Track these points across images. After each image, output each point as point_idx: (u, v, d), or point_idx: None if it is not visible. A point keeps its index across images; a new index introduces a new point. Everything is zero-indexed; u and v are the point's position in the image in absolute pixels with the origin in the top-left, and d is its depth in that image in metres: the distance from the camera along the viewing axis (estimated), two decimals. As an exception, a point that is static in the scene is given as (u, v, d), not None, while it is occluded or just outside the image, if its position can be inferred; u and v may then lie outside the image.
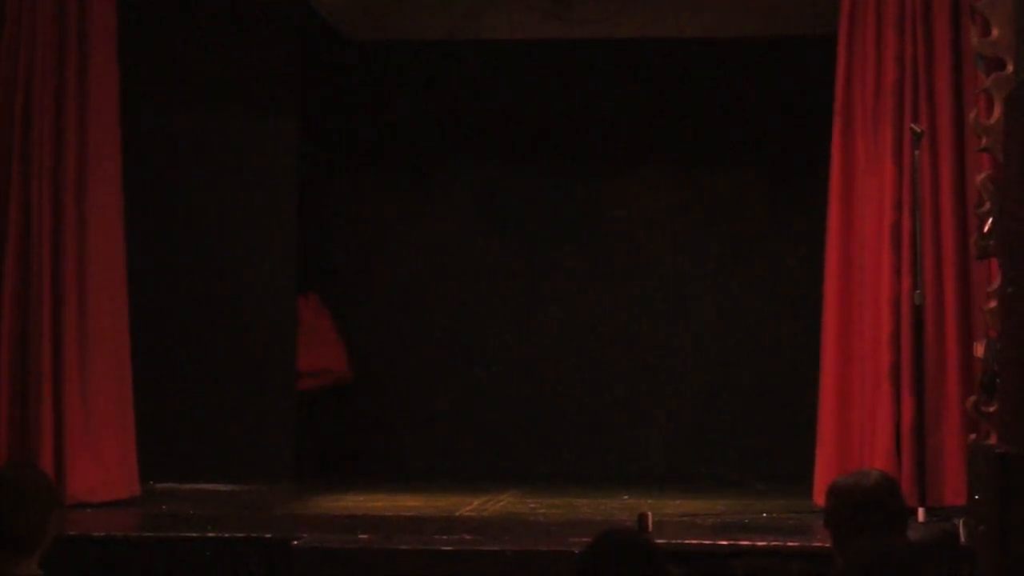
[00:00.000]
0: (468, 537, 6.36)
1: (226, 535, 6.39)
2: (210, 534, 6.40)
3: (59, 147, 7.56)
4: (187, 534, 6.45)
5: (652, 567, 3.72)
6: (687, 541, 6.18)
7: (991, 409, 6.24)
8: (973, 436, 6.53)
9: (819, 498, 6.97)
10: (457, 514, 7.47)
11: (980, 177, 6.53)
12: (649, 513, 6.13)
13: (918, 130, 7.00)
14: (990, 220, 6.35)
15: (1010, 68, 6.36)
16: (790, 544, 6.12)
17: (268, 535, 6.38)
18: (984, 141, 6.42)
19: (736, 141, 9.30)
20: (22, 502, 4.22)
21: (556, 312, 9.54)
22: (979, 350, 6.49)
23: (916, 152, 7.00)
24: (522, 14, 9.21)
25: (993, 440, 6.16)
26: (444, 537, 6.32)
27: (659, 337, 9.43)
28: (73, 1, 7.62)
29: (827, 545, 4.44)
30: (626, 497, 8.18)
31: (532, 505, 7.85)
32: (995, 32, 6.43)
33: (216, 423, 8.87)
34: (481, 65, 9.55)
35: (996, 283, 6.28)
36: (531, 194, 9.54)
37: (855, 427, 7.25)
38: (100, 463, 7.55)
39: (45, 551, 4.25)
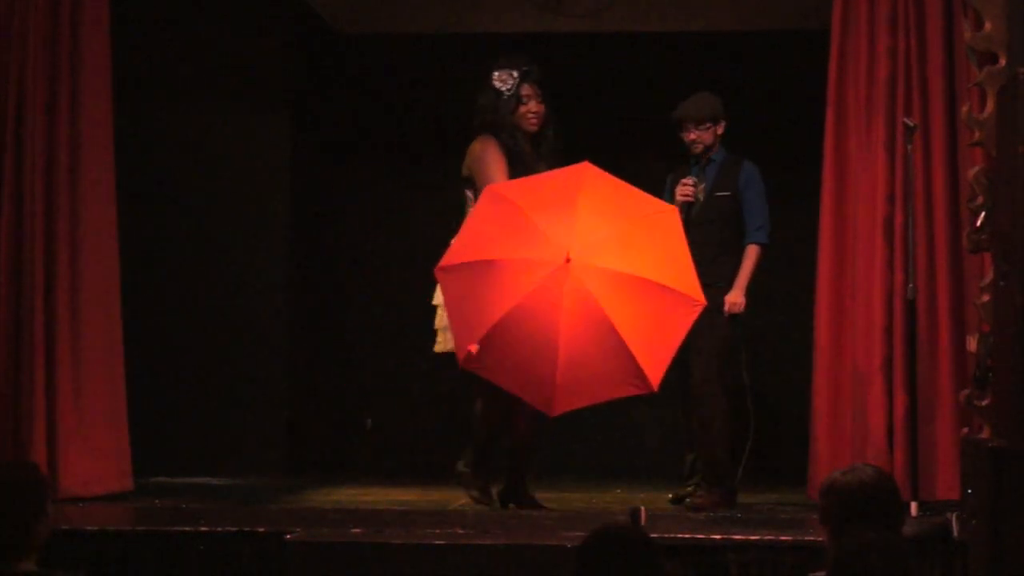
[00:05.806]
0: (461, 531, 6.36)
1: (219, 529, 6.37)
2: (203, 528, 6.38)
3: (52, 140, 7.53)
4: (180, 528, 6.43)
5: (648, 562, 3.73)
6: (680, 535, 6.18)
7: (984, 403, 6.24)
8: (966, 430, 6.53)
9: (812, 492, 6.98)
10: (450, 508, 7.46)
11: (973, 171, 6.53)
12: (642, 507, 6.12)
13: (911, 124, 7.00)
14: (983, 214, 6.35)
15: (1003, 62, 6.35)
16: (783, 538, 6.12)
17: (261, 529, 6.36)
18: (977, 135, 6.42)
19: (728, 135, 9.28)
20: (15, 502, 4.21)
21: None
22: (972, 344, 6.48)
23: (909, 146, 7.01)
24: (514, 7, 9.20)
25: (986, 434, 6.16)
26: (437, 531, 6.31)
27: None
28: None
29: (821, 539, 4.44)
30: (619, 490, 8.19)
31: (525, 499, 7.85)
32: (988, 26, 6.43)
33: (209, 417, 8.87)
34: (473, 58, 9.51)
35: (989, 277, 6.28)
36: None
37: (847, 421, 7.24)
38: (93, 457, 7.54)
39: (41, 548, 4.24)
